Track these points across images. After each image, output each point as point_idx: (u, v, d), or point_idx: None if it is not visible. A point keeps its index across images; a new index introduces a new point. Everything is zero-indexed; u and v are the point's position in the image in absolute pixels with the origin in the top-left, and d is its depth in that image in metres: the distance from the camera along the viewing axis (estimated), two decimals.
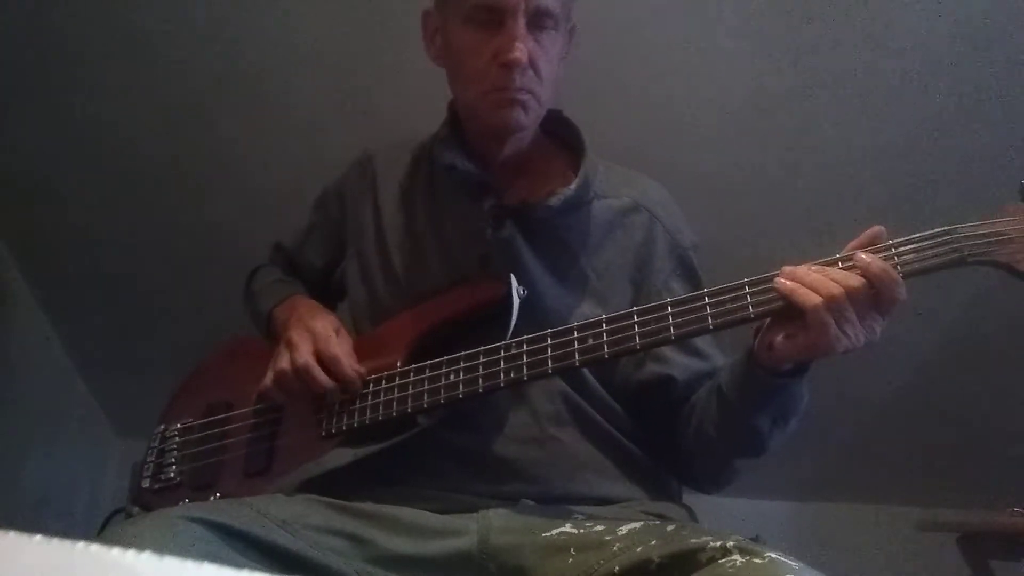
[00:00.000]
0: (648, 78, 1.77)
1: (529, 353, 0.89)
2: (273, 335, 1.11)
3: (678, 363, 1.02)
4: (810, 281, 0.79)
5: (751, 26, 1.68)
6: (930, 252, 0.80)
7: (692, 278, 1.07)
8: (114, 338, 2.40)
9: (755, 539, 0.76)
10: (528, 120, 1.01)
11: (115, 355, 2.44)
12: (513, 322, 0.94)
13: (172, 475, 1.06)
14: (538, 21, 0.97)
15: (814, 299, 0.78)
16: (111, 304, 2.33)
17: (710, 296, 0.84)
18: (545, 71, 0.99)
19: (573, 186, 1.02)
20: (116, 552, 0.32)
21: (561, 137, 1.12)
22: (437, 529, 0.87)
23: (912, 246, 0.81)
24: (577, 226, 1.03)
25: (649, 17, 1.70)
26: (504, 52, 0.95)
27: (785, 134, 1.81)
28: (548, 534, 0.83)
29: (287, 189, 2.02)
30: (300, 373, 0.98)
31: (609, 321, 0.88)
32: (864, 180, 1.81)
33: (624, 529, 0.81)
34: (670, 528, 0.80)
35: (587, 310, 1.00)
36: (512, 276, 0.96)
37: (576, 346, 0.88)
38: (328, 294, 1.21)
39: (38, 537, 0.32)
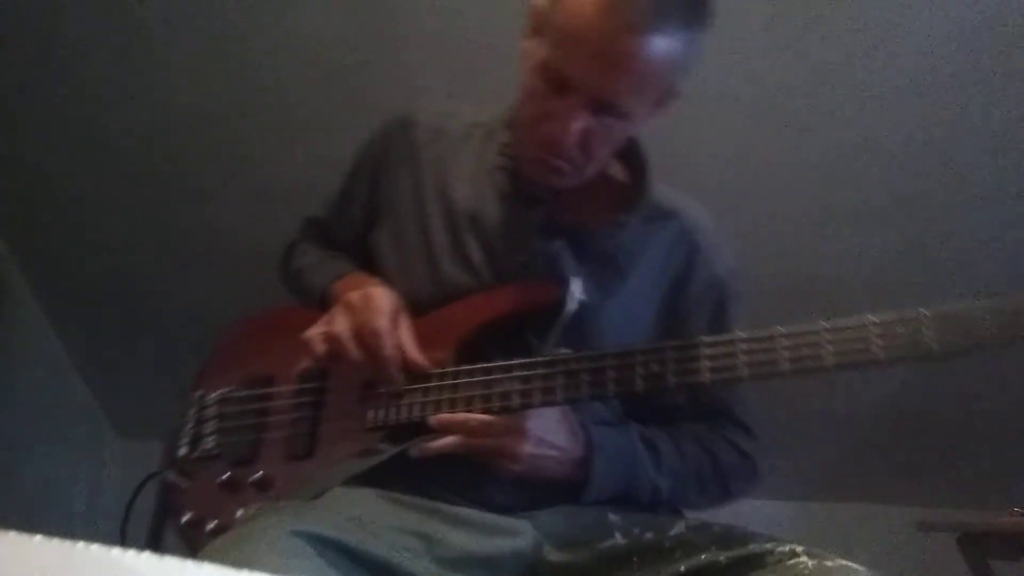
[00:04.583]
0: None
1: (590, 371, 0.87)
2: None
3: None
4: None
5: (758, 21, 1.68)
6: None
7: (720, 307, 1.04)
8: (114, 338, 2.40)
9: None
10: (565, 184, 0.97)
11: (115, 355, 2.44)
12: (559, 328, 0.91)
13: (211, 446, 1.03)
14: (602, 107, 0.89)
15: None
16: (111, 304, 2.33)
17: (786, 338, 0.80)
18: (599, 150, 0.94)
19: (624, 214, 1.01)
20: (116, 552, 0.32)
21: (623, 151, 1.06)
22: (494, 527, 0.88)
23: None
24: (624, 250, 1.01)
25: None
26: (554, 126, 0.89)
27: (792, 128, 1.81)
28: (603, 545, 0.85)
29: (287, 189, 2.01)
30: (367, 337, 0.92)
31: (677, 348, 0.84)
32: (869, 175, 1.82)
33: (672, 532, 0.83)
34: (716, 529, 0.83)
35: (624, 333, 0.98)
36: (572, 281, 0.93)
37: (638, 371, 0.84)
38: (365, 265, 1.13)
39: (38, 537, 0.32)
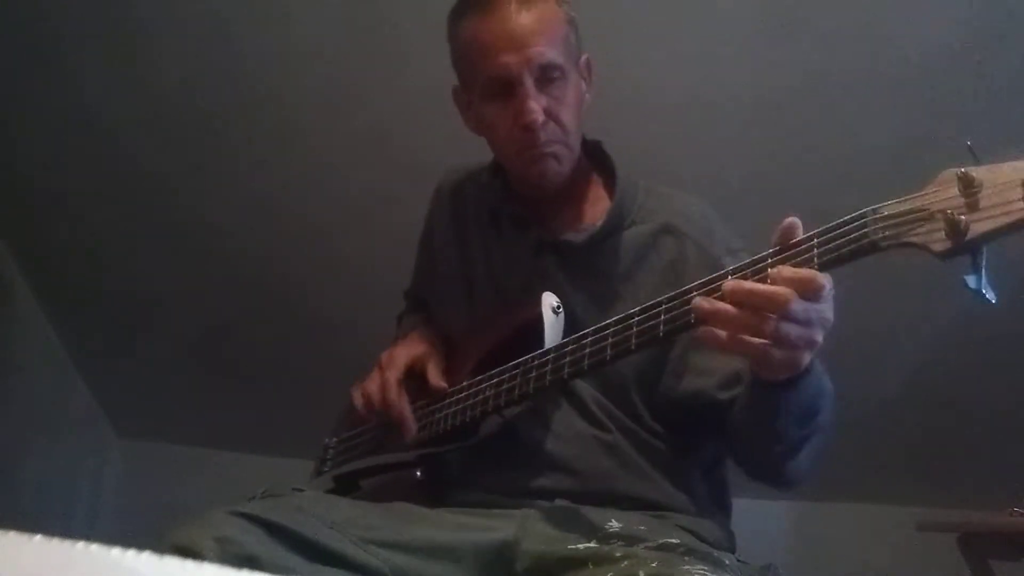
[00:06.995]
0: (652, 81, 1.77)
1: (584, 348, 0.92)
2: None
3: (715, 371, 1.02)
4: (725, 319, 0.76)
5: (755, 27, 1.69)
6: (843, 241, 0.73)
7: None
8: (114, 338, 2.40)
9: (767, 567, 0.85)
10: (563, 168, 1.07)
11: (115, 355, 2.44)
12: (547, 332, 0.99)
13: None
14: (546, 76, 1.02)
15: (720, 337, 0.76)
16: (111, 304, 2.33)
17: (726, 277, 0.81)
18: (566, 118, 1.05)
19: (600, 223, 1.09)
20: (116, 552, 0.32)
21: (603, 165, 1.16)
22: (475, 523, 0.92)
23: (830, 235, 0.74)
24: (610, 254, 1.08)
25: (654, 22, 1.70)
26: (521, 116, 1.01)
27: (790, 134, 1.81)
28: (575, 547, 0.87)
29: (286, 190, 2.02)
30: (381, 384, 1.08)
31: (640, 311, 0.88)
32: (869, 177, 1.82)
33: (640, 547, 0.84)
34: (680, 549, 0.84)
35: None
36: (546, 295, 1.02)
37: (614, 339, 0.89)
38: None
39: (38, 537, 0.32)
